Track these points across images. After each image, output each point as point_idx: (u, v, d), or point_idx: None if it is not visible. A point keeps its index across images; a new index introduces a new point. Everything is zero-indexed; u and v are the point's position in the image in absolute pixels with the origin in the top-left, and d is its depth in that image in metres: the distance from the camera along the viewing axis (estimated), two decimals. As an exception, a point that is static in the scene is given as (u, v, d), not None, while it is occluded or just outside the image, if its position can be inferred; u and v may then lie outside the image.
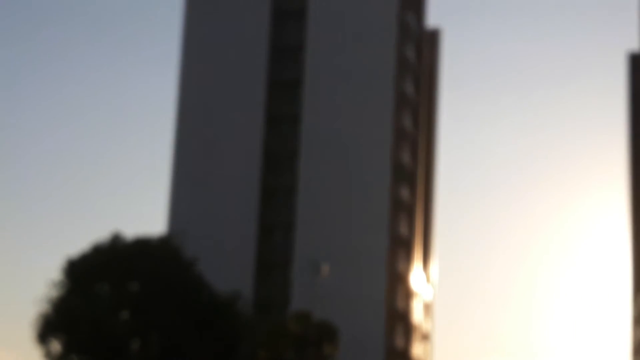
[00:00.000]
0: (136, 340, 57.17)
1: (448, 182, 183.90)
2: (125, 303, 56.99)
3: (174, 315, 54.73)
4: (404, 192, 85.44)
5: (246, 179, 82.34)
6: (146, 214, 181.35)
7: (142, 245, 57.80)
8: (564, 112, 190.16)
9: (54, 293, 56.95)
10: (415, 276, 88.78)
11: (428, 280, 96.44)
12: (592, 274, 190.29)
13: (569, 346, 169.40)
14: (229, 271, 70.75)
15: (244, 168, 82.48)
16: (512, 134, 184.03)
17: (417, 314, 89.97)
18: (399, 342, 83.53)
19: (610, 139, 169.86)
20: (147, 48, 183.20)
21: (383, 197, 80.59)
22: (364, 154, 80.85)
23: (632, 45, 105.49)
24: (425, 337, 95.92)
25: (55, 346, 56.56)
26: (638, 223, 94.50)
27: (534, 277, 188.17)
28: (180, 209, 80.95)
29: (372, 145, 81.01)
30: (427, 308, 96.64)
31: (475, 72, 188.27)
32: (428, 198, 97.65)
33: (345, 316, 68.75)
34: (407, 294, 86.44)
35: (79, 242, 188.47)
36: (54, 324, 56.27)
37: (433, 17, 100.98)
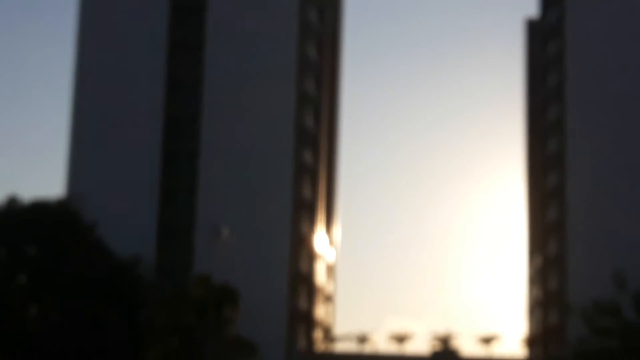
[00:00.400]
0: (34, 305, 56.48)
1: (351, 145, 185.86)
2: (22, 267, 56.20)
3: (72, 279, 54.16)
4: (307, 156, 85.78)
5: (147, 143, 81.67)
6: (44, 178, 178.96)
7: (40, 209, 56.93)
8: (464, 76, 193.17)
9: (-51, 257, 55.88)
10: (318, 239, 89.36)
11: (331, 242, 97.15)
12: (490, 235, 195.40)
13: (468, 305, 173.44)
14: (131, 235, 69.95)
15: (145, 131, 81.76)
16: (414, 98, 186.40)
17: (320, 276, 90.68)
18: (302, 304, 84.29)
19: (508, 103, 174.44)
20: (46, 9, 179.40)
21: (286, 161, 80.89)
22: (267, 117, 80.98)
23: (531, 12, 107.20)
24: (328, 298, 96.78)
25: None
26: (533, 187, 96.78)
27: (434, 239, 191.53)
28: (79, 173, 79.89)
29: (275, 109, 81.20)
30: (330, 270, 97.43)
31: (377, 37, 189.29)
32: (331, 162, 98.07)
33: (249, 279, 69.00)
34: (310, 257, 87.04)
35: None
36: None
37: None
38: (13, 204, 57.07)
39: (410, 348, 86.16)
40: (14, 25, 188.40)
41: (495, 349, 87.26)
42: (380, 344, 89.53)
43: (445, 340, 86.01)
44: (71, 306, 54.03)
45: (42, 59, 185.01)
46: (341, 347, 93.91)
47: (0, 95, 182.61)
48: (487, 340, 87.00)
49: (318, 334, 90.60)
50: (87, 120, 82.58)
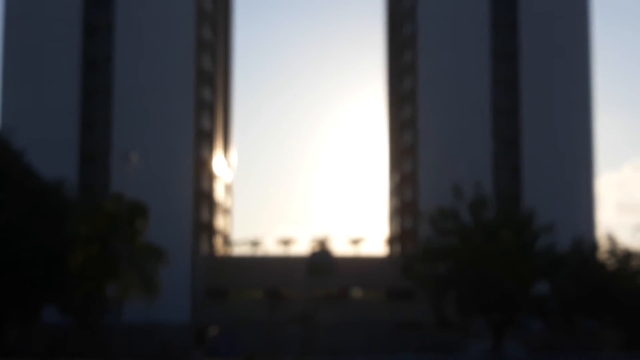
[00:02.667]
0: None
1: (244, 83, 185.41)
2: (-40, 189, 54.69)
3: (4, 200, 53.11)
4: (206, 93, 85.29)
5: (68, 80, 79.95)
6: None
7: (-26, 139, 55.35)
8: (334, 26, 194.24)
9: None
10: (217, 162, 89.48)
11: (228, 165, 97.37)
12: (357, 157, 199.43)
13: (340, 214, 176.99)
14: (56, 162, 68.87)
15: (66, 71, 79.97)
16: (295, 44, 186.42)
17: (219, 193, 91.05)
18: (204, 216, 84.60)
19: (370, 48, 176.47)
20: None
21: (188, 97, 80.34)
22: (170, 59, 79.97)
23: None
24: (227, 211, 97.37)
25: None
26: (392, 118, 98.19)
27: (313, 160, 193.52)
28: (10, 107, 77.68)
29: (178, 53, 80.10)
30: (228, 188, 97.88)
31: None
32: (227, 97, 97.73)
33: (158, 197, 68.72)
34: (210, 177, 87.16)
35: None
36: None
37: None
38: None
39: (294, 250, 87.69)
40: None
41: (362, 249, 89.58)
42: (270, 247, 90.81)
43: (322, 243, 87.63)
44: (4, 220, 53.12)
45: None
46: (237, 250, 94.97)
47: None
48: (355, 242, 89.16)
49: (218, 241, 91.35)
50: (15, 62, 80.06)
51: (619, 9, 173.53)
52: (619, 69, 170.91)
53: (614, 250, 60.33)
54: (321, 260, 79.46)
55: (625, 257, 59.90)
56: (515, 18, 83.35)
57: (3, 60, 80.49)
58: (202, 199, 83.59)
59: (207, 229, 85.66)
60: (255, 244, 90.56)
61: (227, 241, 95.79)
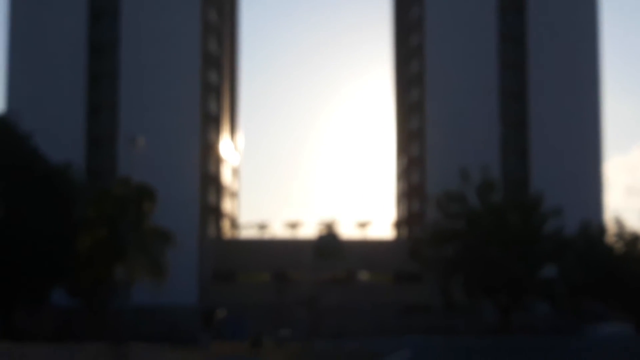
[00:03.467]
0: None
1: (251, 67, 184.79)
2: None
3: (12, 183, 53.15)
4: (212, 76, 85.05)
5: (74, 65, 79.70)
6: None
7: (-17, 124, 55.36)
8: (343, 18, 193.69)
9: None
10: (224, 146, 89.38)
11: (235, 149, 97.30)
12: (366, 141, 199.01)
13: (347, 197, 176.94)
14: (63, 146, 68.70)
15: (72, 55, 79.70)
16: (302, 32, 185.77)
17: (226, 176, 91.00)
18: (212, 199, 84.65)
19: (378, 33, 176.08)
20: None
21: (194, 81, 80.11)
22: (177, 44, 79.62)
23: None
24: (234, 195, 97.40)
25: None
26: (399, 102, 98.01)
27: (321, 144, 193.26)
28: (17, 92, 77.49)
29: (184, 37, 79.79)
30: (235, 171, 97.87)
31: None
32: (234, 80, 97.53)
33: (166, 180, 68.77)
34: (217, 161, 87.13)
35: None
36: None
37: None
38: (-44, 119, 55.43)
39: (301, 233, 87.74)
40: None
41: (369, 232, 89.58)
42: (277, 230, 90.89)
43: (329, 226, 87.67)
44: (15, 204, 53.21)
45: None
46: (245, 233, 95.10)
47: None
48: (362, 225, 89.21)
49: (225, 224, 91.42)
50: (22, 48, 79.86)
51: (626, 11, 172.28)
52: (627, 51, 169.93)
53: (621, 234, 60.35)
54: (328, 243, 79.54)
55: (633, 240, 59.92)
56: (521, 1, 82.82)
57: (10, 45, 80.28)
58: (209, 182, 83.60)
59: (214, 212, 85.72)
60: (262, 227, 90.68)
61: (234, 224, 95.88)
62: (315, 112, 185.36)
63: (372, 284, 78.43)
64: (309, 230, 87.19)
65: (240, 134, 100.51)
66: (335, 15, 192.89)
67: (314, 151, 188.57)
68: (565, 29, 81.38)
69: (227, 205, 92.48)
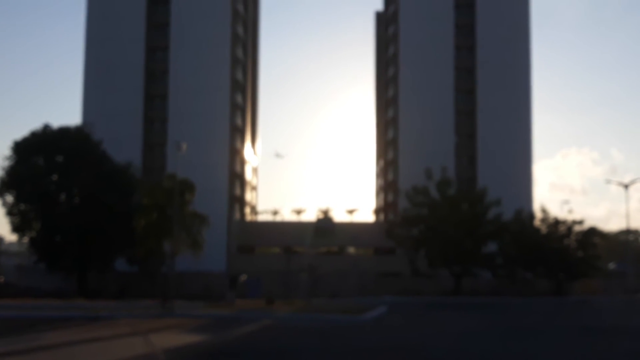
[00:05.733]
0: (63, 194, 55.60)
1: (267, 91, 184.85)
2: (54, 169, 55.18)
3: (87, 177, 53.34)
4: (239, 98, 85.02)
5: (134, 88, 79.74)
6: (67, 111, 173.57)
7: (65, 132, 55.88)
8: (335, 50, 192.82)
9: (6, 164, 54.38)
10: (247, 151, 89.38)
11: (255, 153, 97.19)
12: (353, 148, 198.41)
13: (340, 190, 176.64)
14: (125, 150, 68.55)
15: (133, 80, 79.75)
16: (305, 62, 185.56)
17: (248, 174, 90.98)
18: (237, 191, 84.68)
19: (363, 63, 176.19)
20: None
21: (225, 101, 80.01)
22: (212, 74, 79.51)
23: (377, 6, 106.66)
24: (254, 188, 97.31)
25: (9, 198, 54.32)
26: (379, 117, 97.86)
27: (320, 150, 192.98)
28: (90, 110, 77.36)
29: (217, 68, 79.74)
30: (255, 170, 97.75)
31: (288, 26, 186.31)
32: (254, 102, 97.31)
33: (203, 177, 68.27)
34: (242, 162, 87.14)
35: (22, 131, 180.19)
36: (7, 184, 53.89)
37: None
38: (47, 129, 55.82)
39: (304, 217, 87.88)
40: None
41: (356, 217, 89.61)
42: (286, 215, 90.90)
43: (325, 212, 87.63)
44: (87, 194, 53.42)
45: (64, 32, 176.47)
46: (261, 217, 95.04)
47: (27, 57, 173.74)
48: (351, 211, 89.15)
49: (247, 210, 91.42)
50: (94, 75, 79.84)
51: (552, 38, 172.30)
52: (553, 79, 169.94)
53: (546, 219, 60.36)
54: (324, 225, 79.70)
55: (554, 224, 59.93)
56: (473, 42, 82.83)
57: (85, 74, 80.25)
58: (235, 178, 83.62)
59: (238, 201, 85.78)
60: (274, 212, 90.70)
61: (253, 210, 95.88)
62: (315, 126, 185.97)
63: (358, 256, 78.54)
64: (310, 215, 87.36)
65: (259, 142, 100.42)
66: (330, 55, 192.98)
67: (314, 155, 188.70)
68: (505, 63, 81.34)
69: (249, 196, 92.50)
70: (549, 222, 60.20)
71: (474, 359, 16.25)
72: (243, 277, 45.16)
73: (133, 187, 55.53)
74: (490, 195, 57.94)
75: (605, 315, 34.69)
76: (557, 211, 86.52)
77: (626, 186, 62.30)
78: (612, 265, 76.97)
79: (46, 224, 53.63)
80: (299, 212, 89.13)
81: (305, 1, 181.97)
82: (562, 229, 59.53)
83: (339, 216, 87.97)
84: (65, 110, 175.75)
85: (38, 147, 54.18)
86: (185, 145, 40.00)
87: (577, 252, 58.65)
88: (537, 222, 60.62)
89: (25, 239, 55.93)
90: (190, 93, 78.76)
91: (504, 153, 79.29)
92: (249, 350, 18.08)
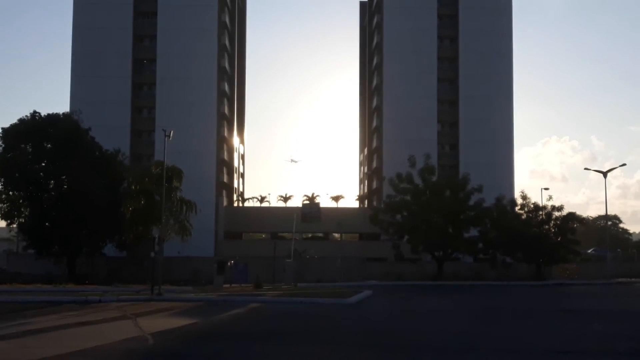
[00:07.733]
0: (52, 180, 55.06)
1: (254, 80, 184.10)
2: (43, 157, 54.57)
3: (76, 164, 52.84)
4: (226, 87, 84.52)
5: (122, 76, 78.88)
6: (55, 99, 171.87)
7: (53, 119, 55.23)
8: (321, 39, 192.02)
9: (-5, 151, 53.72)
10: (234, 139, 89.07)
11: (242, 141, 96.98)
12: (339, 137, 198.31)
13: (326, 177, 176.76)
14: (114, 137, 67.99)
15: (121, 69, 78.87)
16: (292, 53, 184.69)
17: (235, 162, 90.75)
18: (224, 178, 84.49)
19: (349, 53, 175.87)
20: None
21: (212, 90, 79.53)
22: (199, 62, 78.88)
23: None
24: (241, 175, 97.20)
25: (-3, 185, 53.70)
26: (362, 107, 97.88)
27: (306, 137, 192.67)
28: (78, 98, 76.37)
29: (204, 57, 79.02)
30: (242, 158, 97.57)
31: (274, 29, 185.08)
32: (241, 91, 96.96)
33: (191, 164, 68.07)
34: (229, 150, 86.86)
35: (11, 119, 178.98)
36: (-5, 171, 53.14)
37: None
38: (35, 116, 55.10)
39: (291, 203, 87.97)
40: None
41: (341, 203, 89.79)
42: (273, 201, 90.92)
43: (311, 198, 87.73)
44: (76, 180, 52.93)
45: (54, 27, 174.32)
46: (248, 204, 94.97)
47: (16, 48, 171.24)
48: (336, 198, 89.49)
49: (234, 196, 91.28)
50: (82, 62, 78.88)
51: (534, 28, 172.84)
52: (534, 71, 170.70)
53: (525, 205, 60.72)
54: (310, 211, 79.73)
55: (533, 210, 60.32)
56: (456, 32, 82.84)
57: (72, 62, 79.31)
58: (223, 166, 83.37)
59: (226, 188, 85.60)
60: (261, 199, 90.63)
61: (240, 197, 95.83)
62: (301, 115, 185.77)
63: (343, 242, 78.80)
64: (296, 202, 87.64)
65: (245, 130, 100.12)
66: (318, 48, 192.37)
67: (301, 143, 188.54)
68: (487, 53, 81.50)
69: (236, 182, 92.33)
70: (529, 208, 60.55)
71: (456, 339, 16.38)
72: (230, 263, 45.14)
73: (121, 173, 55.15)
74: (472, 182, 58.15)
75: (582, 299, 35.09)
76: (537, 198, 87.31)
77: (605, 174, 62.78)
78: (591, 251, 77.77)
79: (35, 211, 53.17)
80: (285, 198, 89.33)
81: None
82: (541, 214, 59.92)
83: (325, 203, 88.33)
84: (54, 98, 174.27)
85: (26, 135, 53.53)
86: (173, 133, 39.69)
87: (556, 237, 59.11)
88: (517, 208, 60.93)
89: (14, 226, 55.46)
90: (178, 81, 78.13)
91: (485, 141, 79.63)
92: (238, 332, 18.09)
